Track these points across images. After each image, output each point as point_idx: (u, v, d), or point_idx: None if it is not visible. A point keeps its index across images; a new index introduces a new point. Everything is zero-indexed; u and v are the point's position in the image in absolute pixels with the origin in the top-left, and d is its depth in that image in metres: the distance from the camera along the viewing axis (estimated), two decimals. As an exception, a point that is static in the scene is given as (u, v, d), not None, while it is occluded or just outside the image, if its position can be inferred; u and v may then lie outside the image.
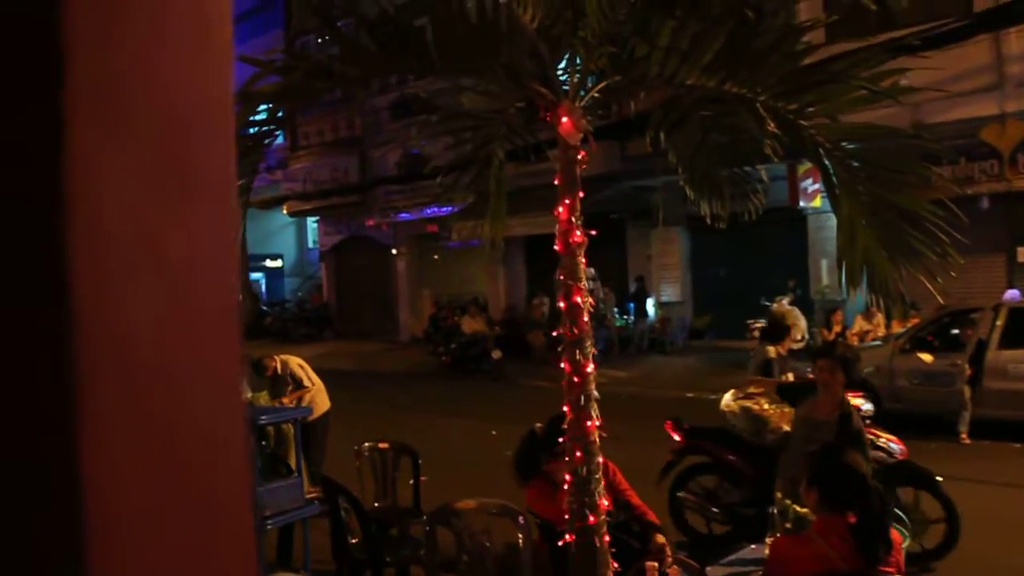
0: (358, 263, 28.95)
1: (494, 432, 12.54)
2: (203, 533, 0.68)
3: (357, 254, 28.94)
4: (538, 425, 4.74)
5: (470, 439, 12.20)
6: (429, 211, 24.13)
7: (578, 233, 2.87)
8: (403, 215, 25.45)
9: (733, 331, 18.82)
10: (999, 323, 11.60)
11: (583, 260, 2.86)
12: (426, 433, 10.52)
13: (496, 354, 19.23)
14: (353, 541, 6.07)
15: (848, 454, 3.69)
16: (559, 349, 2.89)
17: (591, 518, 2.78)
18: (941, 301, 4.16)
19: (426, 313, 25.21)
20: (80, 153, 0.58)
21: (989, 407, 11.38)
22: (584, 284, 2.84)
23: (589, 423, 2.81)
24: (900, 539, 3.64)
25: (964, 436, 11.21)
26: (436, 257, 26.64)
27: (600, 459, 2.88)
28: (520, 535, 4.44)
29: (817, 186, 17.31)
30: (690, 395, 15.70)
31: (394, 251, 27.27)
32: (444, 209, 22.69)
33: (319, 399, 8.42)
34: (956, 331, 12.30)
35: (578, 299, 2.80)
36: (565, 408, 2.89)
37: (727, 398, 6.31)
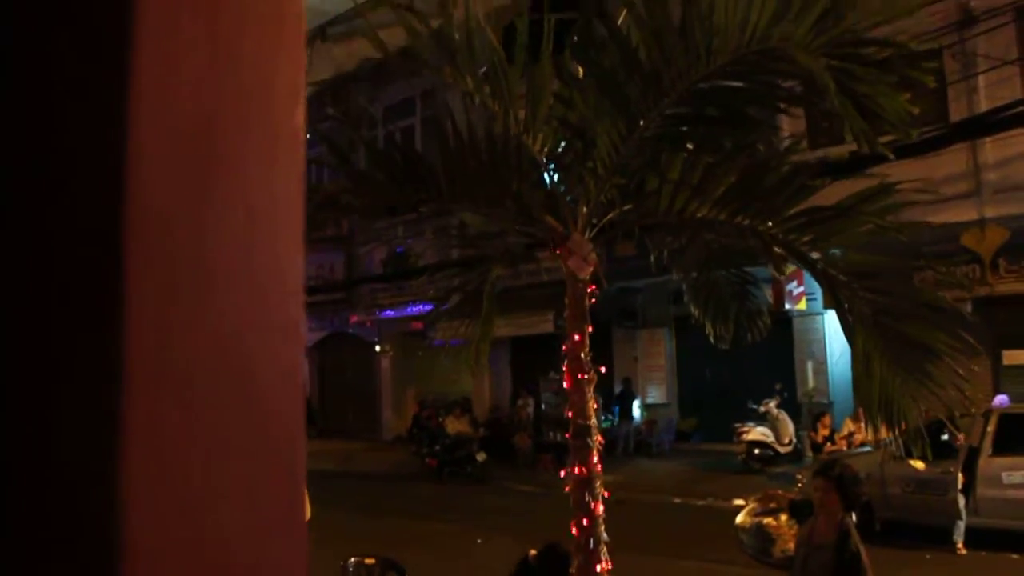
0: (341, 360, 28.76)
1: (480, 540, 12.27)
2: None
3: (341, 350, 28.78)
4: (532, 552, 4.58)
5: (456, 548, 11.91)
6: (414, 309, 24.10)
7: (588, 368, 2.81)
8: (387, 313, 25.41)
9: (720, 434, 18.68)
10: (990, 429, 11.53)
11: (592, 396, 2.79)
12: (410, 541, 10.26)
13: (481, 456, 18.95)
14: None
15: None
16: (562, 457, 2.79)
17: None
18: (959, 437, 4.08)
19: (409, 412, 24.94)
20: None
21: (984, 515, 11.23)
22: (594, 422, 2.76)
23: (599, 567, 2.69)
24: None
25: (960, 546, 11.03)
26: (420, 355, 26.50)
27: (610, 602, 2.75)
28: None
29: (802, 289, 17.41)
30: (677, 500, 15.47)
31: (378, 348, 27.12)
32: (428, 307, 22.71)
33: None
34: (946, 437, 12.21)
35: (587, 438, 2.71)
36: (574, 534, 2.77)
37: (742, 515, 6.17)
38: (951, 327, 3.21)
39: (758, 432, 16.87)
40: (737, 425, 17.23)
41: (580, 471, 2.71)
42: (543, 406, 20.74)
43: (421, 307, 23.56)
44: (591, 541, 2.69)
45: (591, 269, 2.91)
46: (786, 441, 16.80)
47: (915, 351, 3.07)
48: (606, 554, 2.73)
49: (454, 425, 20.30)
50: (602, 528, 2.73)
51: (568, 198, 3.15)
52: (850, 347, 3.25)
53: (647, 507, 15.01)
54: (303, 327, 0.71)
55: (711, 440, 19.80)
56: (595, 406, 2.81)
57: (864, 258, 3.13)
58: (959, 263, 15.67)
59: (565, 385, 2.80)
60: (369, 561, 6.63)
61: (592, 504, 2.69)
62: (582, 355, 2.81)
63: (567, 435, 3.15)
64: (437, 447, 19.97)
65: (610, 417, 20.46)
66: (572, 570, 2.71)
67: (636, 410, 20.83)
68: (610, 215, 2.98)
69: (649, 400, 21.29)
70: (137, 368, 0.57)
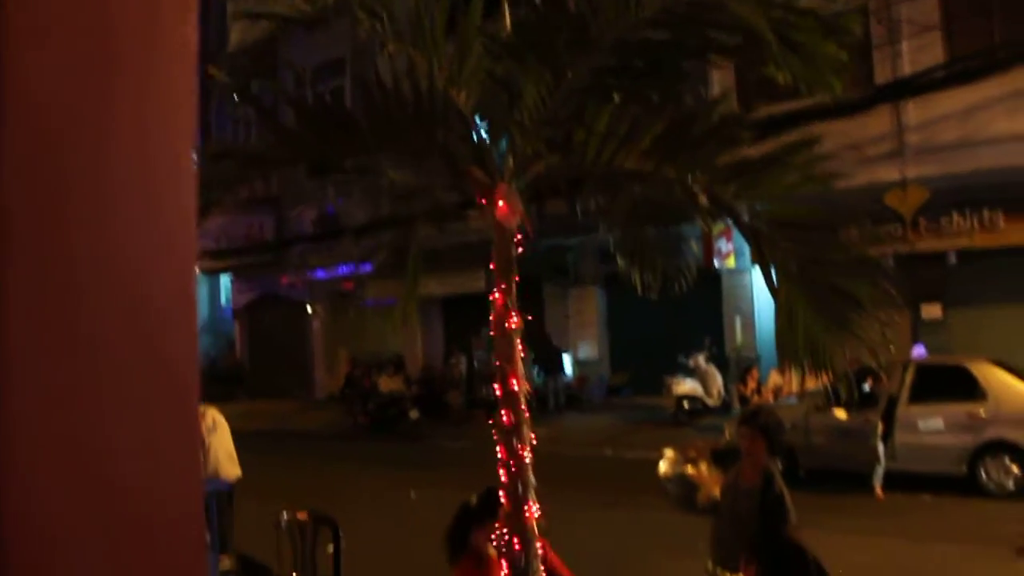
0: (273, 321, 28.49)
1: (413, 495, 12.34)
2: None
3: (271, 312, 28.49)
4: (473, 498, 4.65)
5: (390, 503, 11.96)
6: (345, 269, 23.96)
7: (514, 317, 2.84)
8: (318, 273, 25.20)
9: (650, 388, 18.99)
10: (908, 379, 11.94)
11: (519, 343, 2.82)
12: (344, 497, 10.27)
13: (414, 414, 19.02)
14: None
15: (785, 529, 3.69)
16: (485, 411, 2.82)
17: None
18: (883, 375, 4.22)
19: (342, 371, 24.85)
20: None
21: (901, 461, 11.66)
22: (521, 370, 2.80)
23: (528, 512, 2.74)
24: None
25: (879, 490, 11.44)
26: (352, 315, 26.37)
27: (539, 546, 2.81)
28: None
29: (731, 247, 17.71)
30: (608, 453, 15.73)
31: (309, 309, 26.91)
32: (360, 267, 22.57)
33: (228, 466, 8.09)
34: (867, 388, 12.60)
35: (515, 385, 2.75)
36: (502, 495, 2.82)
37: (664, 465, 6.30)
38: (872, 276, 3.31)
39: (687, 386, 17.20)
40: (667, 379, 17.54)
41: (508, 418, 2.75)
42: (475, 363, 20.84)
43: (352, 267, 23.43)
44: (519, 486, 2.73)
45: (517, 219, 2.93)
46: (715, 394, 17.16)
47: (838, 300, 3.17)
48: (534, 498, 2.78)
49: (387, 383, 20.31)
50: (530, 473, 2.78)
51: (495, 151, 3.16)
52: (773, 298, 3.34)
53: (578, 460, 15.24)
54: (196, 245, 0.70)
55: (642, 394, 20.12)
56: (522, 354, 2.85)
57: (787, 208, 3.21)
58: (882, 221, 16.11)
59: (491, 333, 2.83)
60: (301, 516, 6.63)
61: (520, 449, 2.74)
62: (509, 303, 2.84)
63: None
64: (370, 405, 19.98)
65: (541, 373, 20.66)
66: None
67: (567, 366, 21.05)
68: (537, 167, 3.00)
69: (581, 356, 21.52)
70: (22, 289, 0.56)
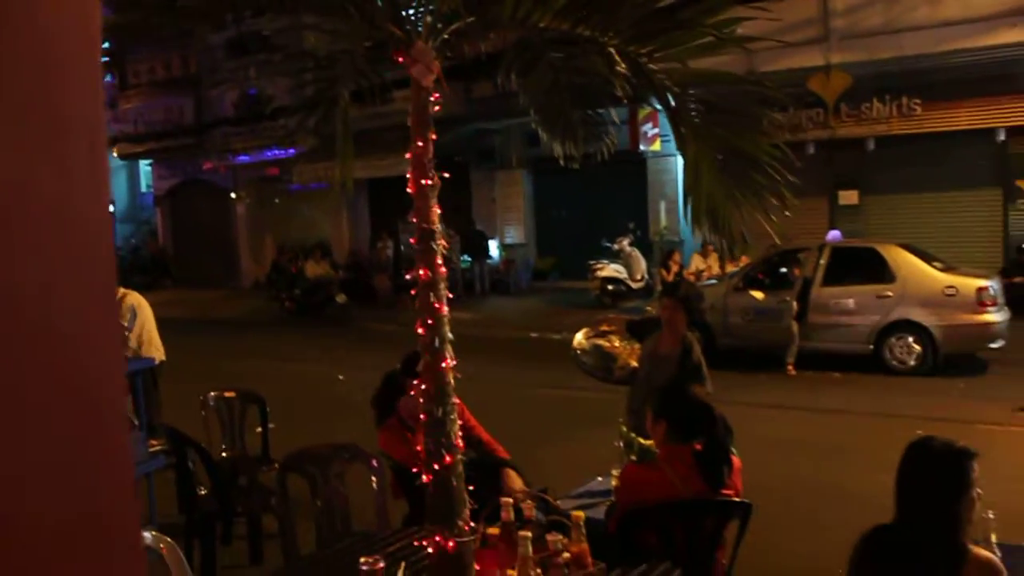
0: (196, 208, 27.95)
1: (341, 377, 12.47)
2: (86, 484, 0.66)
3: (194, 198, 27.93)
4: (397, 365, 4.75)
5: (318, 385, 12.08)
6: (270, 154, 23.49)
7: (431, 175, 2.87)
8: (242, 158, 24.67)
9: (575, 272, 19.27)
10: (823, 262, 12.31)
11: (435, 202, 2.86)
12: (272, 381, 10.31)
13: (341, 298, 19.02)
14: (202, 492, 5.93)
15: (692, 388, 3.87)
16: (412, 292, 2.88)
17: (447, 458, 2.81)
18: (778, 241, 4.37)
19: (268, 259, 24.64)
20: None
21: (814, 340, 12.13)
22: (438, 226, 2.84)
23: (444, 364, 2.83)
24: (739, 463, 3.85)
25: (791, 368, 11.92)
26: (277, 201, 26.00)
27: (455, 399, 2.91)
28: (374, 479, 4.46)
29: (656, 131, 17.79)
30: (534, 335, 16.02)
31: (233, 195, 26.46)
32: (285, 152, 22.14)
33: (150, 348, 8.06)
34: (784, 270, 12.97)
35: (431, 242, 2.80)
36: (420, 349, 2.89)
37: (579, 337, 6.46)
38: (773, 147, 3.40)
39: (612, 269, 17.47)
40: (592, 263, 17.79)
41: (425, 274, 2.81)
42: (402, 247, 20.84)
43: (277, 152, 22.97)
44: (436, 340, 2.81)
45: (434, 76, 2.93)
46: (638, 277, 17.48)
47: (740, 160, 3.27)
48: (451, 353, 2.87)
49: (313, 269, 20.21)
50: (447, 328, 2.86)
51: (412, 9, 3.12)
52: (682, 155, 3.42)
53: (504, 342, 15.52)
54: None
55: (567, 278, 20.43)
56: (439, 211, 2.89)
57: (697, 69, 3.27)
58: (805, 107, 16.30)
59: (409, 190, 2.85)
60: (229, 394, 6.68)
61: (437, 305, 2.81)
62: (426, 161, 2.86)
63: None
64: (297, 291, 19.91)
65: (468, 258, 20.76)
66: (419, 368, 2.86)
67: (493, 250, 21.18)
68: (454, 25, 2.98)
69: (507, 240, 21.66)
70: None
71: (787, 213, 3.51)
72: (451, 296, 2.89)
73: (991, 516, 3.60)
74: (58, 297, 0.62)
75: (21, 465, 0.63)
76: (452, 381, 2.86)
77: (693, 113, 3.28)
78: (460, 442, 2.87)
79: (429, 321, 2.79)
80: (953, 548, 2.82)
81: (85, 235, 0.65)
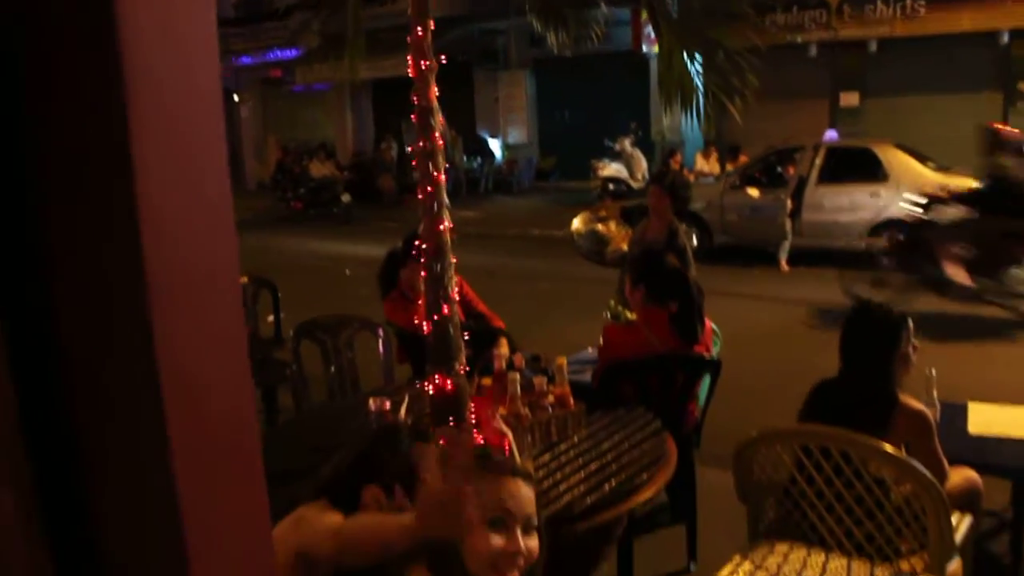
0: (198, 109, 27.92)
1: (348, 271, 12.85)
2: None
3: (196, 99, 27.88)
4: (399, 243, 5.12)
5: (325, 279, 12.44)
6: (272, 55, 23.45)
7: (430, 59, 3.13)
8: (244, 59, 24.62)
9: (577, 171, 19.47)
10: (818, 161, 12.54)
11: (434, 83, 3.13)
12: (281, 274, 10.65)
13: (346, 198, 19.26)
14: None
15: (668, 256, 4.22)
16: (417, 192, 3.14)
17: (445, 309, 3.18)
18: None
19: (273, 159, 24.80)
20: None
21: (807, 237, 12.44)
22: (435, 104, 3.12)
23: (441, 226, 3.17)
24: (711, 326, 4.24)
25: (784, 264, 12.26)
26: (281, 102, 26.05)
27: (452, 259, 3.25)
28: (380, 345, 4.86)
29: (659, 30, 17.75)
30: (536, 232, 16.32)
31: (236, 97, 26.46)
32: (288, 52, 22.10)
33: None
34: (780, 169, 13.21)
35: (429, 117, 3.10)
36: (420, 213, 3.22)
37: (577, 222, 6.79)
38: (770, 42, 3.67)
39: (613, 168, 17.67)
40: (594, 162, 17.98)
41: (424, 144, 3.11)
42: (407, 148, 21.01)
43: (279, 53, 22.92)
44: (435, 205, 3.14)
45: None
46: (639, 177, 17.69)
47: (709, 47, 3.54)
48: (448, 217, 3.20)
49: (318, 169, 20.42)
50: (444, 194, 3.18)
51: None
52: (658, 45, 3.70)
53: (507, 239, 15.86)
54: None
55: (569, 178, 20.65)
56: (436, 92, 3.17)
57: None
58: (807, 7, 16.28)
59: (410, 73, 3.13)
60: (242, 279, 7.03)
61: (435, 173, 3.12)
62: (425, 47, 3.13)
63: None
64: (302, 191, 20.14)
65: (472, 158, 20.95)
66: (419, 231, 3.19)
67: (497, 150, 21.35)
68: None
69: (510, 140, 21.80)
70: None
71: (748, 101, 3.76)
72: (451, 195, 3.19)
73: (933, 374, 4.00)
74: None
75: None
76: (449, 240, 3.20)
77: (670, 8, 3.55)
78: (456, 295, 3.23)
79: (428, 188, 3.11)
80: (886, 398, 3.21)
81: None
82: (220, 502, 0.79)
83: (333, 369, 4.88)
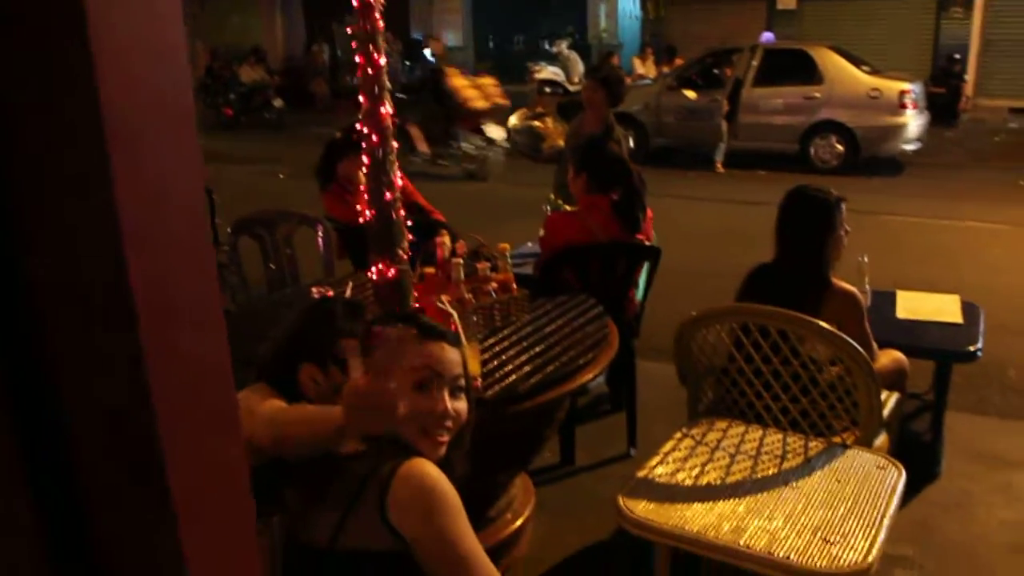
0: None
1: (282, 175, 12.63)
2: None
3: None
4: (338, 134, 5.03)
5: (259, 183, 12.21)
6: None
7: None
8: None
9: (514, 75, 19.25)
10: (754, 63, 12.56)
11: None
12: (215, 182, 10.43)
13: (278, 103, 18.82)
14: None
15: (609, 144, 4.22)
16: (348, 81, 3.08)
17: (387, 195, 3.14)
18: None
19: (201, 64, 23.99)
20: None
21: (743, 139, 12.53)
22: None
23: (383, 111, 3.11)
24: (651, 214, 4.27)
25: (719, 165, 12.36)
26: (207, 3, 25.13)
27: (395, 144, 3.20)
28: (320, 238, 4.81)
29: (596, -71, 17.46)
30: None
31: None
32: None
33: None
34: (717, 71, 13.21)
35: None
36: (360, 97, 3.15)
37: (513, 119, 6.74)
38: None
39: (550, 71, 17.51)
40: (530, 65, 17.78)
41: (364, 27, 3.04)
42: (339, 52, 20.52)
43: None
44: (375, 88, 3.08)
45: None
46: (575, 80, 17.56)
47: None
48: (390, 101, 3.14)
49: (248, 74, 19.84)
50: (385, 78, 3.12)
51: None
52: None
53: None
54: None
55: (506, 81, 20.35)
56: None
57: None
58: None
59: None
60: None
61: (376, 56, 3.06)
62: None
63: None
64: (232, 96, 19.59)
65: (408, 64, 20.53)
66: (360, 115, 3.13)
67: (429, 56, 20.96)
68: None
69: (448, 44, 21.42)
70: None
71: None
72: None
73: (865, 260, 4.11)
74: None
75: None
76: (391, 126, 3.15)
77: None
78: (399, 182, 3.20)
79: (369, 71, 3.05)
80: (819, 279, 3.29)
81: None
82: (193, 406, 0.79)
83: (273, 266, 4.83)
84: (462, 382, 1.90)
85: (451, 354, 1.88)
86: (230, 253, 4.78)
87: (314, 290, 3.29)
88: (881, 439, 3.21)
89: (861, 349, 2.87)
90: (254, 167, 13.88)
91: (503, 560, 3.37)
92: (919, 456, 4.06)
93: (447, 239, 3.48)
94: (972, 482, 4.11)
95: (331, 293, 3.33)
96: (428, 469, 1.74)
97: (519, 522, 3.45)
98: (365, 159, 3.16)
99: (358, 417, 1.72)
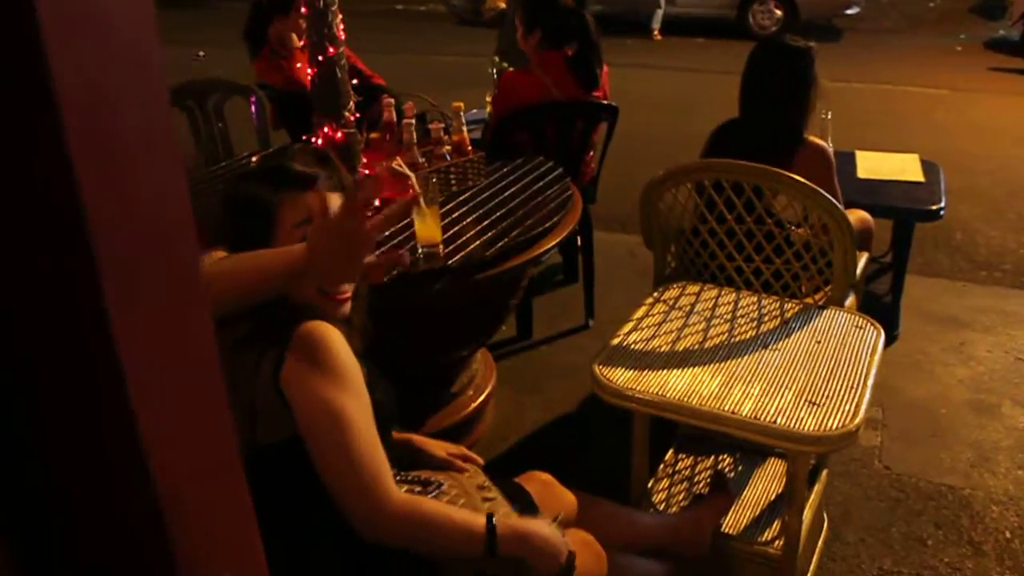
0: None
1: (201, 53, 12.01)
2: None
3: None
4: None
5: (177, 65, 11.58)
6: None
7: None
8: None
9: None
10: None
11: None
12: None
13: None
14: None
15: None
16: None
17: (331, 49, 2.87)
18: None
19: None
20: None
21: (680, 5, 12.22)
22: None
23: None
24: (607, 69, 4.03)
25: (656, 33, 12.07)
26: None
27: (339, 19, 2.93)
28: (253, 107, 4.49)
29: None
30: (399, 7, 15.55)
31: None
32: None
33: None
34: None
35: None
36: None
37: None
38: None
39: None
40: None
41: None
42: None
43: None
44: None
45: None
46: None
47: None
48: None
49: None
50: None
51: None
52: None
53: (368, 16, 15.04)
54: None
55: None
56: None
57: None
58: None
59: None
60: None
61: None
62: None
63: None
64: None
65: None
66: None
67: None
68: None
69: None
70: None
71: None
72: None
73: (829, 116, 3.96)
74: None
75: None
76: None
77: None
78: (342, 35, 2.93)
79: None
80: (792, 133, 3.13)
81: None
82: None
83: (204, 139, 4.49)
84: None
85: (333, 199, 1.68)
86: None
87: (254, 159, 3.03)
88: (850, 300, 3.13)
89: (838, 204, 2.74)
90: (169, 49, 13.09)
91: (467, 437, 3.26)
92: (878, 319, 4.01)
93: (392, 101, 3.22)
94: (929, 342, 4.10)
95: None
96: (324, 328, 1.57)
97: (482, 397, 3.33)
98: (304, 10, 2.87)
99: (323, 251, 1.47)
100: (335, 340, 1.57)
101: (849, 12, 12.00)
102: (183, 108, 4.43)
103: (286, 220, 1.62)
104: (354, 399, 1.55)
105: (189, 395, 0.78)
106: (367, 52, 10.25)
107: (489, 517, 1.62)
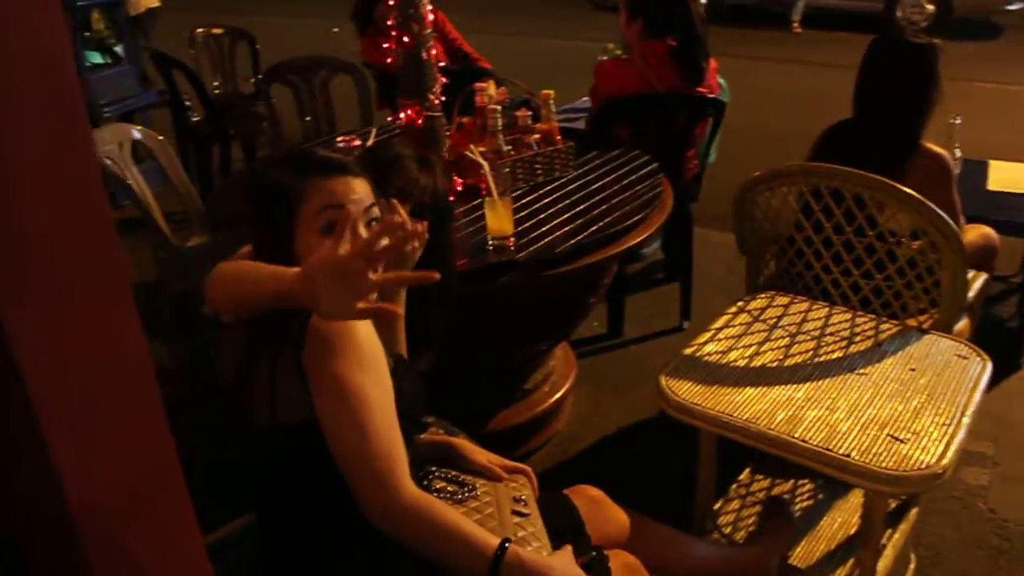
0: None
1: (336, 29, 12.17)
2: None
3: None
4: None
5: (311, 39, 11.80)
6: None
7: None
8: None
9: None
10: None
11: None
12: (264, 35, 10.09)
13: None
14: (196, 120, 5.96)
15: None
16: None
17: (416, 28, 2.80)
18: None
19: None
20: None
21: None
22: None
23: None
24: (715, 64, 3.83)
25: (796, 25, 11.60)
26: None
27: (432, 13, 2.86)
28: (356, 84, 4.48)
29: None
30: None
31: None
32: None
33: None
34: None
35: None
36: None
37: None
38: None
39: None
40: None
41: None
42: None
43: None
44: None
45: None
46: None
47: None
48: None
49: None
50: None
51: None
52: None
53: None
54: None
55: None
56: None
57: None
58: None
59: None
60: (217, 31, 6.51)
61: None
62: None
63: None
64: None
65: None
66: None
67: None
68: None
69: None
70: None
71: None
72: None
73: (958, 122, 3.66)
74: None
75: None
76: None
77: None
78: (430, 17, 2.85)
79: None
80: (909, 138, 2.88)
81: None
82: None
83: (308, 116, 4.52)
84: (376, 212, 1.62)
85: (358, 185, 1.60)
86: (264, 98, 4.46)
87: (339, 139, 2.99)
88: (962, 324, 2.87)
89: (949, 220, 2.49)
90: (306, 20, 13.39)
91: (539, 435, 3.16)
92: (1001, 344, 3.70)
93: (491, 86, 3.12)
94: (1057, 373, 3.76)
95: (357, 143, 3.04)
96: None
97: (558, 395, 3.22)
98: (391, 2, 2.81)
99: (317, 280, 1.39)
100: (358, 322, 1.50)
101: (1012, 8, 11.24)
102: (288, 84, 4.46)
103: (312, 203, 1.57)
104: (373, 382, 1.49)
105: (109, 406, 0.74)
106: (498, 35, 10.29)
107: (503, 542, 1.52)
